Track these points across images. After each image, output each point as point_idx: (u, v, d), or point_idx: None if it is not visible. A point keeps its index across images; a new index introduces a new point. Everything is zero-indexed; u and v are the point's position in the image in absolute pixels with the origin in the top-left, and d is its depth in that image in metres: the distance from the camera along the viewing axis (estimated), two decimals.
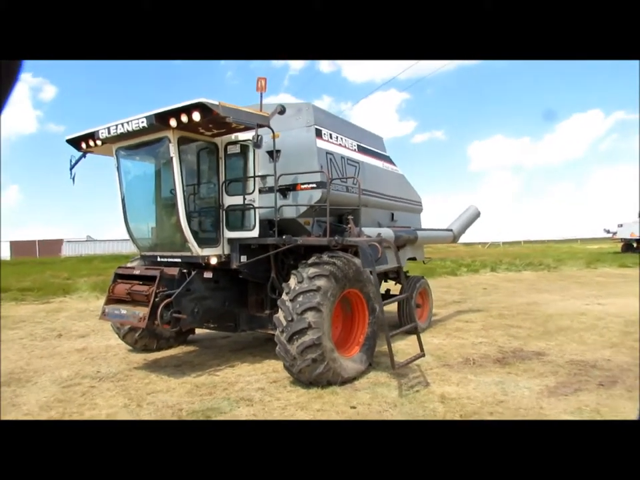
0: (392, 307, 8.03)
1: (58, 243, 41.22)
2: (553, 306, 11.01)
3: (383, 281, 8.38)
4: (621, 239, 32.59)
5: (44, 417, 4.39)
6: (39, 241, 42.91)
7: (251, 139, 5.09)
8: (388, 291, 8.41)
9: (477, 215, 10.02)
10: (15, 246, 41.79)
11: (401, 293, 6.28)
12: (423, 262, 9.38)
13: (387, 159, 7.85)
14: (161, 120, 5.03)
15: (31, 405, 4.74)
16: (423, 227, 9.07)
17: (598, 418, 4.18)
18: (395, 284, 8.62)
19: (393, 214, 7.78)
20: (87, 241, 43.45)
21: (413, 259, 8.70)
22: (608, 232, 34.36)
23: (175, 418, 4.30)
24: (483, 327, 8.61)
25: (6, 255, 36.92)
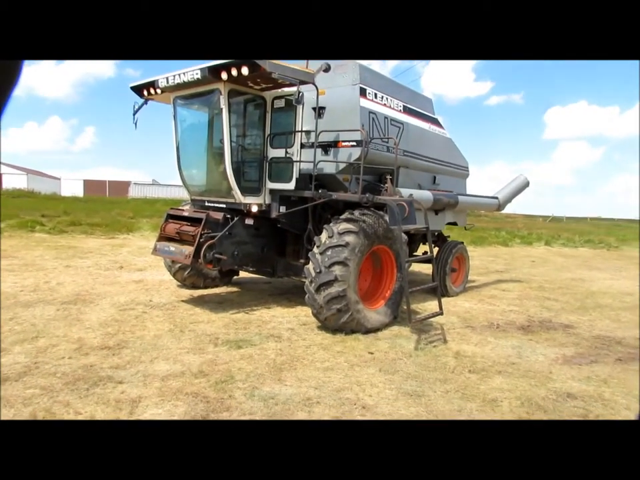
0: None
1: (126, 185, 43.45)
2: (598, 283, 10.72)
3: (421, 243, 8.53)
4: None
5: (101, 332, 5.11)
6: (109, 181, 45.56)
7: (294, 94, 5.32)
8: (425, 252, 8.56)
9: (526, 185, 9.77)
10: (88, 184, 44.70)
11: (425, 253, 6.46)
12: (465, 228, 9.36)
13: (435, 121, 7.79)
14: (213, 72, 5.35)
15: (92, 321, 5.48)
16: (468, 192, 8.99)
17: (604, 388, 4.29)
18: (434, 246, 8.73)
19: (435, 177, 7.81)
20: (152, 184, 45.44)
21: (454, 223, 8.72)
22: None
23: (211, 346, 4.88)
24: (518, 296, 8.62)
25: (79, 191, 39.52)
